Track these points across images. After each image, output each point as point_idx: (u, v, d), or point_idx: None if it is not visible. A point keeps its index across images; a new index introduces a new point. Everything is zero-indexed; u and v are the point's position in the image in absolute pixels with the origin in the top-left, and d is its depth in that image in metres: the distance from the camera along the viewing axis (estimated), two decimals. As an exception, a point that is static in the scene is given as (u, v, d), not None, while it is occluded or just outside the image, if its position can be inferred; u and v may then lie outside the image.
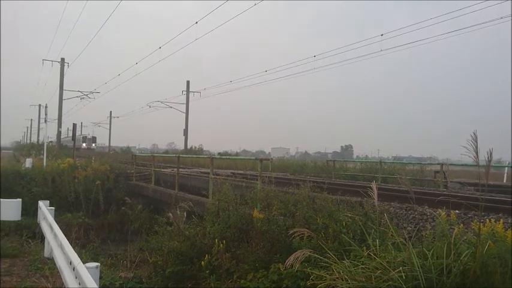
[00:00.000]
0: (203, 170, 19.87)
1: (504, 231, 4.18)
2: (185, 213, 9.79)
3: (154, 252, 8.41)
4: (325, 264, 4.51)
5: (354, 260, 4.40)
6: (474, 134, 3.54)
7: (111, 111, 74.64)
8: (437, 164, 18.75)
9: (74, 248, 6.22)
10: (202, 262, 6.83)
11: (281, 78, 56.90)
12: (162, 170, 18.93)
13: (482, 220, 4.65)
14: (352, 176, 20.37)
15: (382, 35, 21.10)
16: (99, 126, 77.33)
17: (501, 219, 4.47)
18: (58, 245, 7.17)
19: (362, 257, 4.36)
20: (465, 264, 3.81)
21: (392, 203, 8.88)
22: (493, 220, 4.42)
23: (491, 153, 3.57)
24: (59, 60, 39.83)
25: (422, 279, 3.63)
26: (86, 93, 45.41)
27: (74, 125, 26.78)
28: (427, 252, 3.96)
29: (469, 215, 7.36)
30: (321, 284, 4.11)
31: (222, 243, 6.80)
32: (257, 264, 6.40)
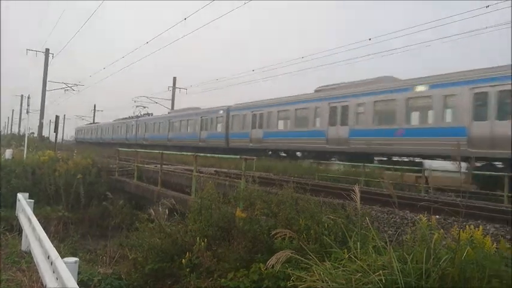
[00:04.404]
0: (187, 167, 19.75)
1: (483, 237, 4.25)
2: (167, 210, 9.73)
3: (134, 249, 8.33)
4: (306, 265, 4.52)
5: (335, 262, 4.42)
6: (458, 142, 3.58)
7: (95, 105, 73.97)
8: (420, 169, 18.94)
9: (52, 242, 6.13)
10: (183, 260, 6.79)
11: (268, 78, 57.10)
12: (145, 165, 18.78)
13: (462, 226, 4.71)
14: (335, 178, 20.48)
15: (370, 39, 20.67)
16: (83, 119, 76.35)
17: (480, 226, 4.54)
18: (36, 238, 7.05)
19: (343, 260, 4.38)
20: (444, 269, 3.86)
21: (374, 207, 8.95)
22: (472, 226, 4.48)
23: (473, 161, 3.62)
24: (44, 50, 39.32)
25: (401, 283, 3.67)
26: (70, 85, 44.99)
27: (57, 117, 26.38)
28: (407, 256, 3.99)
29: (449, 221, 7.45)
30: (302, 285, 4.12)
31: (204, 241, 6.78)
32: (238, 264, 6.39)
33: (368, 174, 20.03)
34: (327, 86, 25.66)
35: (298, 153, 27.25)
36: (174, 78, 47.65)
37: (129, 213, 14.39)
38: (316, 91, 26.26)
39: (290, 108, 26.80)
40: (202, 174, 11.35)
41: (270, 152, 28.36)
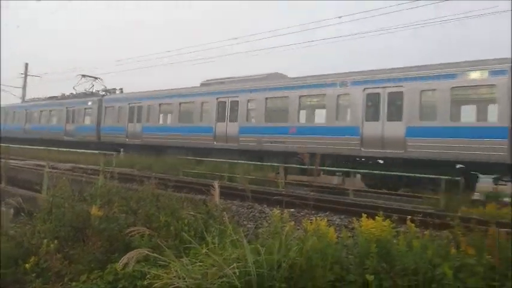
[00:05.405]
0: (39, 162, 18.03)
1: (328, 228, 4.65)
2: (12, 210, 8.76)
3: (-32, 255, 7.33)
4: (164, 263, 4.45)
5: (193, 258, 4.43)
6: (306, 140, 3.86)
7: None
8: (278, 165, 19.92)
9: None
10: (27, 264, 6.17)
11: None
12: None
13: (311, 218, 5.09)
14: (200, 174, 20.55)
15: (236, 38, 20.85)
16: None
17: (325, 217, 4.97)
18: None
19: (200, 255, 4.41)
20: (293, 259, 4.13)
21: (235, 201, 9.23)
22: (319, 218, 4.87)
23: (319, 158, 3.94)
24: None
25: (254, 275, 3.82)
26: None
27: None
28: (260, 248, 4.18)
29: (302, 213, 8.02)
30: (158, 283, 4.05)
31: (53, 243, 6.25)
32: (92, 265, 6.02)
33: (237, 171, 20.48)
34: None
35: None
36: (26, 64, 43.41)
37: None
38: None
39: None
40: (55, 170, 10.50)
41: None
